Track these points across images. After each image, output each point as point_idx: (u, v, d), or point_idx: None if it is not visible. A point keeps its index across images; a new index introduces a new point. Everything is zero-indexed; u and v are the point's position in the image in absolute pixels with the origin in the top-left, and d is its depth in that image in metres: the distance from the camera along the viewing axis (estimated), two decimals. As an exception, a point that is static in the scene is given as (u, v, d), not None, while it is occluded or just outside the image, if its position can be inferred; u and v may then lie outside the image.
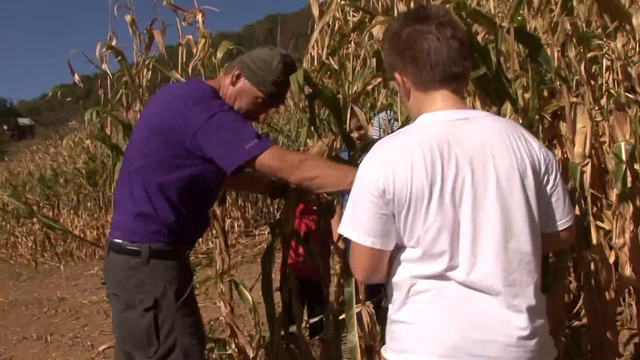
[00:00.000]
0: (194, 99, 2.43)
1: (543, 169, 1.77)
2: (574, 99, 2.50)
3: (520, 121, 2.47)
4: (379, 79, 3.07)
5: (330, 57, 3.17)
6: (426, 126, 1.77)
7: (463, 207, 1.69)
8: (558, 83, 2.46)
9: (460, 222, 1.69)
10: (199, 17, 3.45)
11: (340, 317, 3.28)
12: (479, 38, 3.06)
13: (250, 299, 3.64)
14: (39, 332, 7.40)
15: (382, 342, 3.06)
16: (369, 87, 3.08)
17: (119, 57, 3.77)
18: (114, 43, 4.31)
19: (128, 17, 3.86)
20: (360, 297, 3.05)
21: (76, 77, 4.37)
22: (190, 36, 3.84)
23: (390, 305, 1.87)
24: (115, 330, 2.61)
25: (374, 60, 3.24)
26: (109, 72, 4.02)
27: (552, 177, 1.80)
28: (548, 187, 1.79)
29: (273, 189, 3.10)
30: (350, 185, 1.95)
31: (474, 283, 1.69)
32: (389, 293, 1.88)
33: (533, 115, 2.49)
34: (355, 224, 1.77)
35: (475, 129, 1.74)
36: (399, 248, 1.78)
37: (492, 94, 2.44)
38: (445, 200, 1.68)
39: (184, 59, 3.85)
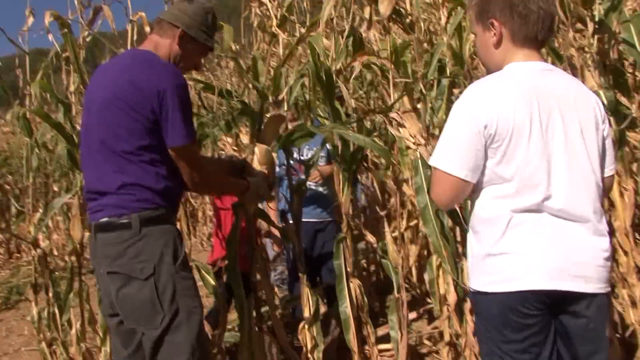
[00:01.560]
0: (148, 65, 2.46)
1: (603, 119, 2.03)
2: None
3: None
4: (364, 57, 3.19)
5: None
6: (520, 72, 1.95)
7: (556, 143, 1.89)
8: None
9: (553, 157, 1.88)
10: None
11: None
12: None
13: (213, 283, 3.54)
14: None
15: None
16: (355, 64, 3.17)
17: (65, 30, 3.49)
18: (31, 20, 4.01)
19: (77, -12, 3.59)
20: (349, 269, 3.11)
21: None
22: (143, 13, 3.68)
23: (476, 242, 1.99)
24: (117, 310, 2.48)
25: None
26: (56, 44, 3.68)
27: (607, 127, 2.06)
28: (604, 134, 2.04)
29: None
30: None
31: (567, 212, 1.88)
32: (476, 230, 1.99)
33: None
34: (451, 157, 1.90)
35: (559, 79, 1.98)
36: (488, 186, 1.93)
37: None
38: (542, 135, 1.87)
39: (135, 36, 3.66)
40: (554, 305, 1.89)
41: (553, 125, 1.89)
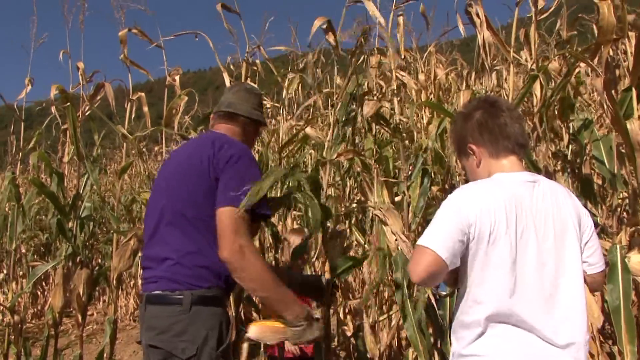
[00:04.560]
0: (219, 139, 2.60)
1: (586, 220, 2.18)
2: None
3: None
4: (350, 155, 3.38)
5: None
6: (505, 182, 2.11)
7: (528, 256, 2.02)
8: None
9: (523, 269, 2.01)
10: (177, 77, 3.50)
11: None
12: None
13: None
14: None
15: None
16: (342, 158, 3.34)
17: (68, 104, 3.62)
18: (29, 88, 4.18)
19: (81, 64, 3.75)
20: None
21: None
22: (143, 93, 3.85)
23: (455, 342, 2.11)
24: None
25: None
26: (57, 115, 3.81)
27: (591, 229, 2.19)
28: (586, 236, 2.17)
29: (301, 285, 3.00)
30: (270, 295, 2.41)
31: (532, 326, 2.00)
32: (455, 330, 2.12)
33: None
34: (436, 238, 2.01)
35: (539, 192, 2.13)
36: (470, 288, 2.06)
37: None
38: (514, 246, 2.01)
39: (133, 115, 3.83)
40: None
41: (527, 237, 2.02)
